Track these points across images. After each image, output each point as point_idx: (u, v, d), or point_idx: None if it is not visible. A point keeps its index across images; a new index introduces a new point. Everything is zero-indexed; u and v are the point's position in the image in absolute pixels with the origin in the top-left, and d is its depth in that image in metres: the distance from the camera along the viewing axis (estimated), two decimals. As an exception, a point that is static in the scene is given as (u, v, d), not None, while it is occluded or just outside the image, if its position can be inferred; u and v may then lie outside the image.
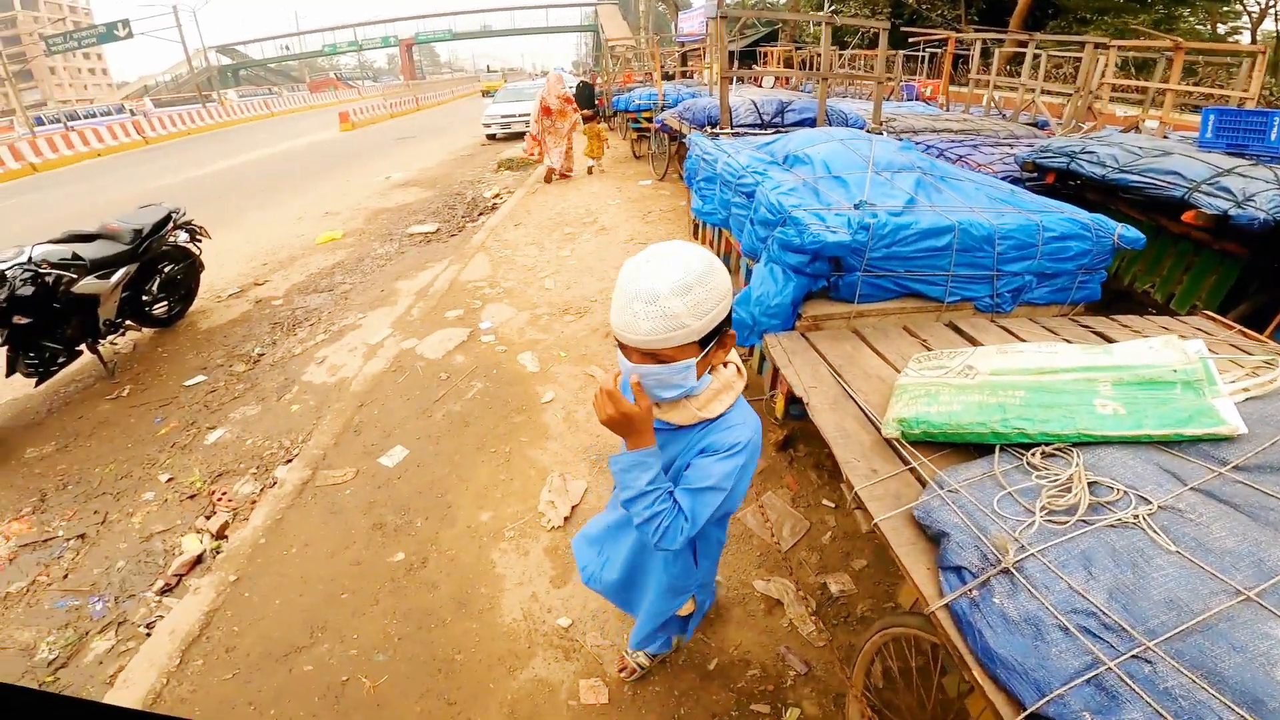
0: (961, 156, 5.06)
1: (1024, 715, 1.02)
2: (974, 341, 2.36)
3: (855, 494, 1.63)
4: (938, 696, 1.61)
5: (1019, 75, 10.43)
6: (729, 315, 1.24)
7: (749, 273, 2.93)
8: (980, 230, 2.42)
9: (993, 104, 9.89)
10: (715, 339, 1.25)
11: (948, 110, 9.10)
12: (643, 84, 15.33)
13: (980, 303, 2.57)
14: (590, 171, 11.42)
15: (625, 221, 7.88)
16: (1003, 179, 3.93)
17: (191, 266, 5.49)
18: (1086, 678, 1.00)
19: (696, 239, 4.44)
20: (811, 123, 5.80)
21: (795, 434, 3.45)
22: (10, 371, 4.11)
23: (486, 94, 32.23)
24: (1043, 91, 8.90)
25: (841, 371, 2.15)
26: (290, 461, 3.63)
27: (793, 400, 2.59)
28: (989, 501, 1.40)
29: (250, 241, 8.12)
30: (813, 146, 3.30)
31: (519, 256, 6.89)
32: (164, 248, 5.08)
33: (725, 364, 1.40)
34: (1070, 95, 7.77)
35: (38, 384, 4.29)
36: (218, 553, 3.01)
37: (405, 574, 2.79)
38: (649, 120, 10.65)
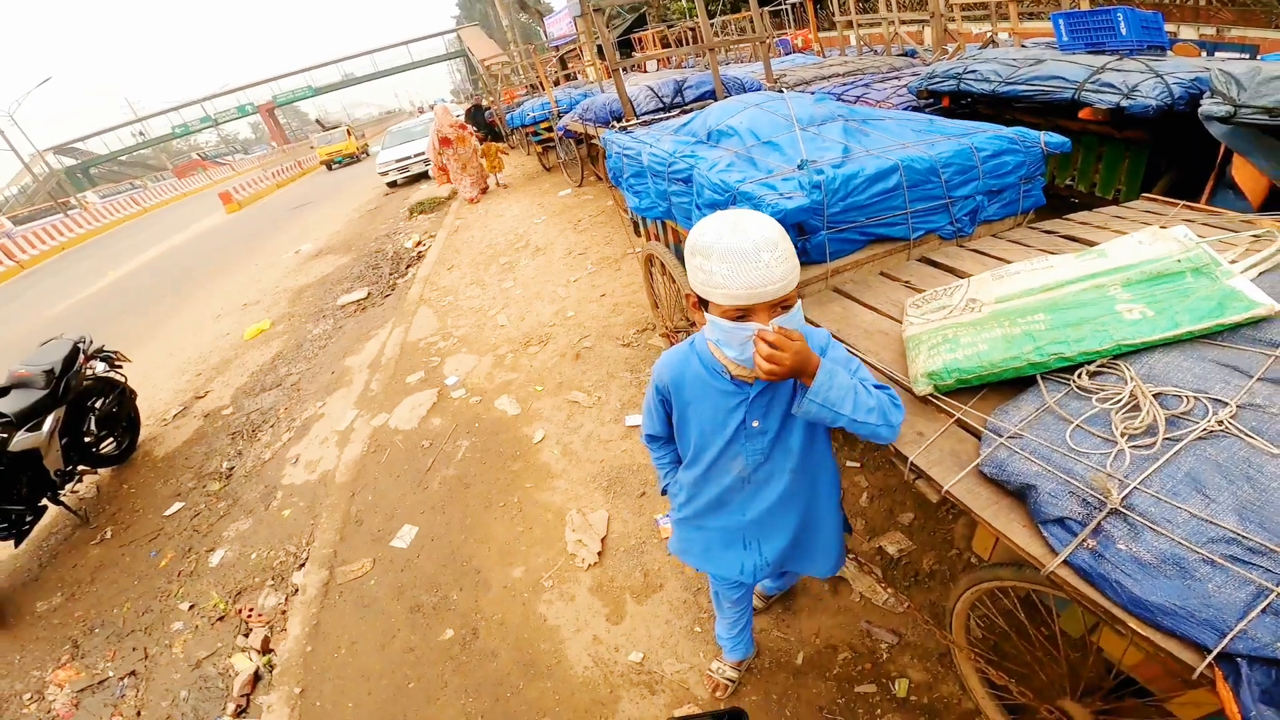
0: (859, 98, 5.09)
1: (1213, 656, 0.95)
2: (953, 271, 2.35)
3: (911, 464, 1.50)
4: (1061, 638, 1.55)
5: (876, 11, 10.68)
6: None
7: None
8: (922, 163, 2.44)
9: (863, 43, 10.09)
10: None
11: (825, 56, 9.21)
12: (529, 97, 15.09)
13: (943, 232, 2.58)
14: (499, 185, 12.05)
15: (558, 236, 7.72)
16: (904, 110, 4.00)
17: (122, 395, 5.09)
18: (1261, 607, 0.93)
19: (640, 236, 4.35)
20: (711, 95, 5.73)
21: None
22: None
23: (329, 164, 29.09)
24: (900, 22, 9.13)
25: (843, 335, 2.08)
26: (303, 566, 3.44)
27: None
28: (1061, 438, 1.31)
29: (174, 354, 7.54)
30: (733, 117, 3.23)
31: (463, 300, 6.66)
32: (85, 383, 4.69)
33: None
34: (927, 20, 7.98)
35: (16, 545, 4.04)
36: (271, 667, 2.86)
37: (461, 649, 2.67)
38: (549, 130, 10.60)
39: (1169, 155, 3.24)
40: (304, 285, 9.20)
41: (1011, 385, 1.57)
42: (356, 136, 32.46)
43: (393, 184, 16.66)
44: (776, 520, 1.65)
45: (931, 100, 4.39)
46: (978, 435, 1.48)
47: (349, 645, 2.84)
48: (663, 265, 3.46)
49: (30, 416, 4.11)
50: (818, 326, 1.49)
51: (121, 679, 3.03)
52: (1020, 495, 1.29)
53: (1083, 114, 3.21)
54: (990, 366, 1.54)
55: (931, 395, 1.63)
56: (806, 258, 2.43)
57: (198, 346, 7.62)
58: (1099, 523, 1.13)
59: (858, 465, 3.01)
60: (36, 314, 12.25)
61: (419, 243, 9.74)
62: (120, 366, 5.16)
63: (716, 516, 1.69)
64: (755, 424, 1.48)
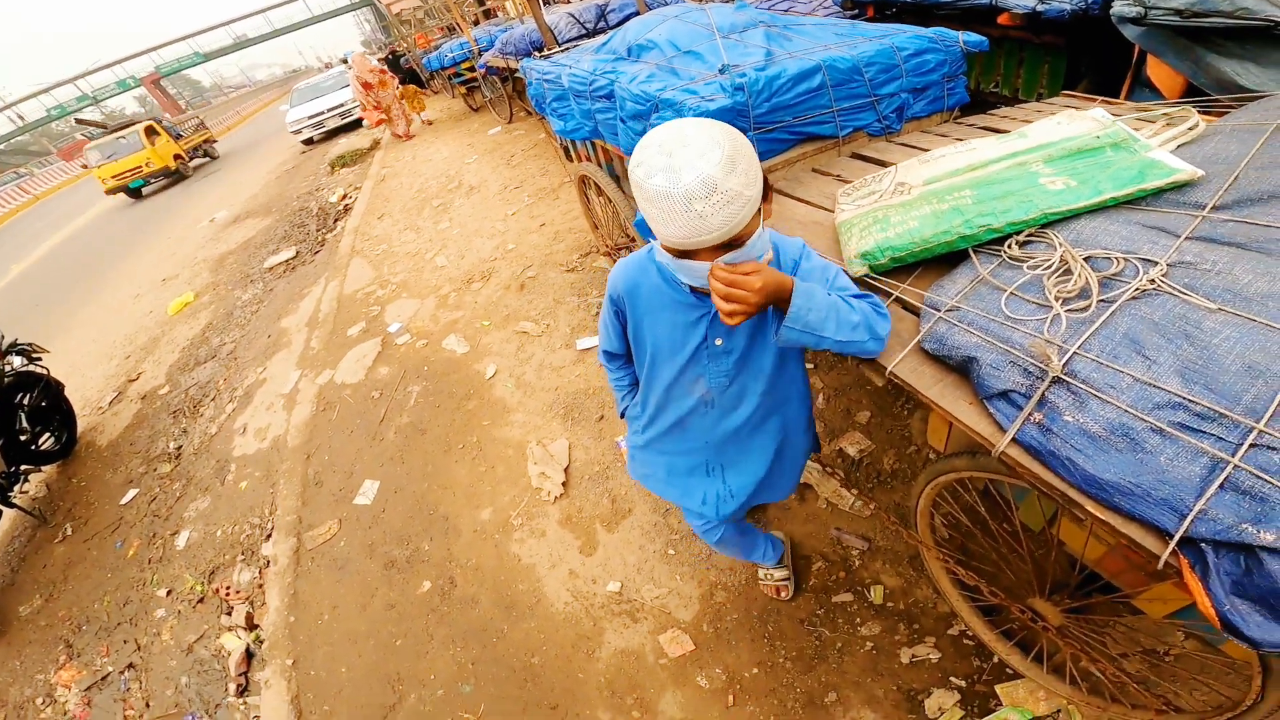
0: (787, 9, 4.97)
1: (1175, 542, 0.90)
2: (881, 163, 2.33)
3: None
4: (1023, 532, 1.55)
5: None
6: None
7: None
8: (844, 63, 2.43)
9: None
10: (765, 195, 1.14)
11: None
12: (446, 39, 14.37)
13: (870, 128, 2.57)
14: (424, 122, 12.43)
15: (492, 173, 7.42)
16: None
17: (49, 388, 4.82)
18: (1218, 482, 0.88)
19: (571, 160, 4.22)
20: (635, 15, 5.49)
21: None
22: None
23: (122, 190, 17.12)
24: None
25: (776, 228, 1.99)
26: (270, 537, 3.37)
27: None
28: (996, 308, 1.28)
29: (98, 340, 7.10)
30: (652, 30, 3.13)
31: (397, 247, 6.40)
32: (5, 380, 4.45)
33: None
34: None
35: None
36: (260, 642, 2.83)
37: (441, 600, 2.67)
38: (471, 70, 10.28)
39: (1088, 58, 3.28)
40: (225, 253, 8.70)
41: (945, 261, 1.54)
42: (186, 129, 20.51)
43: (309, 141, 15.72)
44: (746, 449, 1.57)
45: (856, 11, 4.37)
46: (916, 313, 1.47)
47: (330, 610, 2.81)
48: (597, 186, 3.38)
49: None
50: (778, 236, 1.34)
51: (121, 673, 2.98)
52: (964, 371, 1.27)
53: (1001, 19, 3.22)
54: (922, 242, 1.52)
55: (867, 276, 1.60)
56: None
57: (121, 329, 7.19)
58: (1043, 393, 1.10)
59: (811, 366, 3.01)
60: None
61: (344, 195, 9.24)
62: (39, 358, 4.87)
63: (677, 441, 1.60)
64: (718, 342, 1.36)
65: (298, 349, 5.21)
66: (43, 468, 4.74)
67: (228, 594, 3.13)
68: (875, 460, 2.55)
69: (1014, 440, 1.12)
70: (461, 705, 2.28)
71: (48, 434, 4.78)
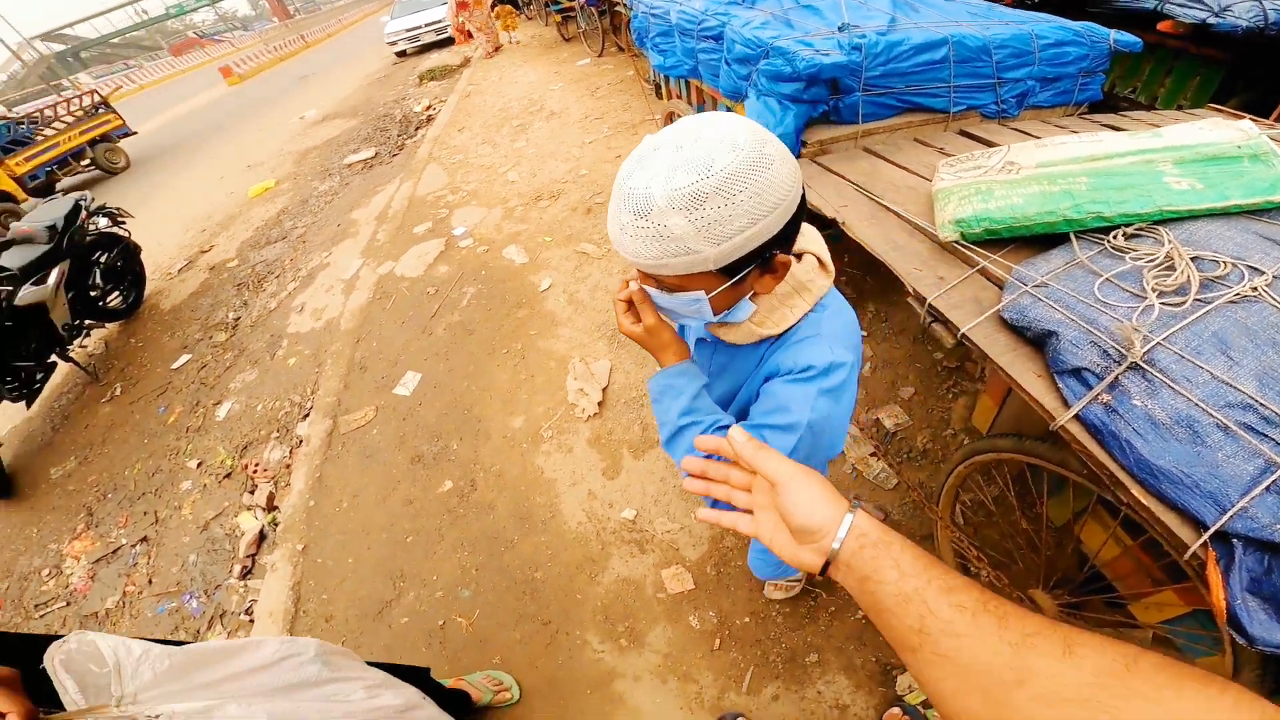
0: None
1: (1210, 532, 0.90)
2: (991, 145, 2.24)
3: (929, 305, 1.45)
4: (1044, 524, 1.53)
5: None
6: (787, 229, 0.82)
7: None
8: (974, 41, 2.35)
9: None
10: (755, 266, 0.84)
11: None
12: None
13: (986, 109, 2.49)
14: (512, 43, 12.20)
15: (575, 102, 7.30)
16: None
17: (127, 249, 5.00)
18: (1267, 484, 0.88)
19: (661, 98, 4.13)
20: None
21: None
22: None
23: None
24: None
25: (868, 187, 2.02)
26: (308, 416, 3.46)
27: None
28: (1089, 290, 1.24)
29: (179, 213, 7.39)
30: None
31: (473, 159, 6.41)
32: (89, 238, 4.59)
33: (799, 256, 1.00)
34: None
35: (28, 406, 4.04)
36: (275, 525, 2.90)
37: (459, 502, 2.72)
38: (570, 0, 10.00)
39: (1245, 76, 3.02)
40: (309, 148, 8.88)
41: (1040, 242, 1.51)
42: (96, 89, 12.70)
43: (401, 53, 15.81)
44: None
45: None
46: (1000, 286, 1.44)
47: (350, 498, 2.88)
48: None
49: (34, 271, 4.02)
50: (823, 328, 0.98)
51: (133, 546, 3.05)
52: (1039, 344, 1.25)
53: (1162, 25, 2.96)
54: (1023, 219, 1.49)
55: (957, 243, 1.59)
56: (837, 116, 2.38)
57: (202, 205, 7.48)
58: (1118, 376, 1.08)
59: (864, 334, 2.93)
60: None
61: (429, 107, 9.27)
62: (123, 223, 5.04)
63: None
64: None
65: (363, 239, 5.32)
66: (106, 324, 4.91)
67: (255, 471, 3.21)
68: (909, 436, 2.49)
69: (1076, 417, 1.11)
70: (457, 608, 2.34)
71: (117, 293, 4.96)
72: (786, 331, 0.99)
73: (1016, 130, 2.39)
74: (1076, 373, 1.14)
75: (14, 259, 3.97)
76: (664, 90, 3.97)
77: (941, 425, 2.49)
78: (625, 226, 0.78)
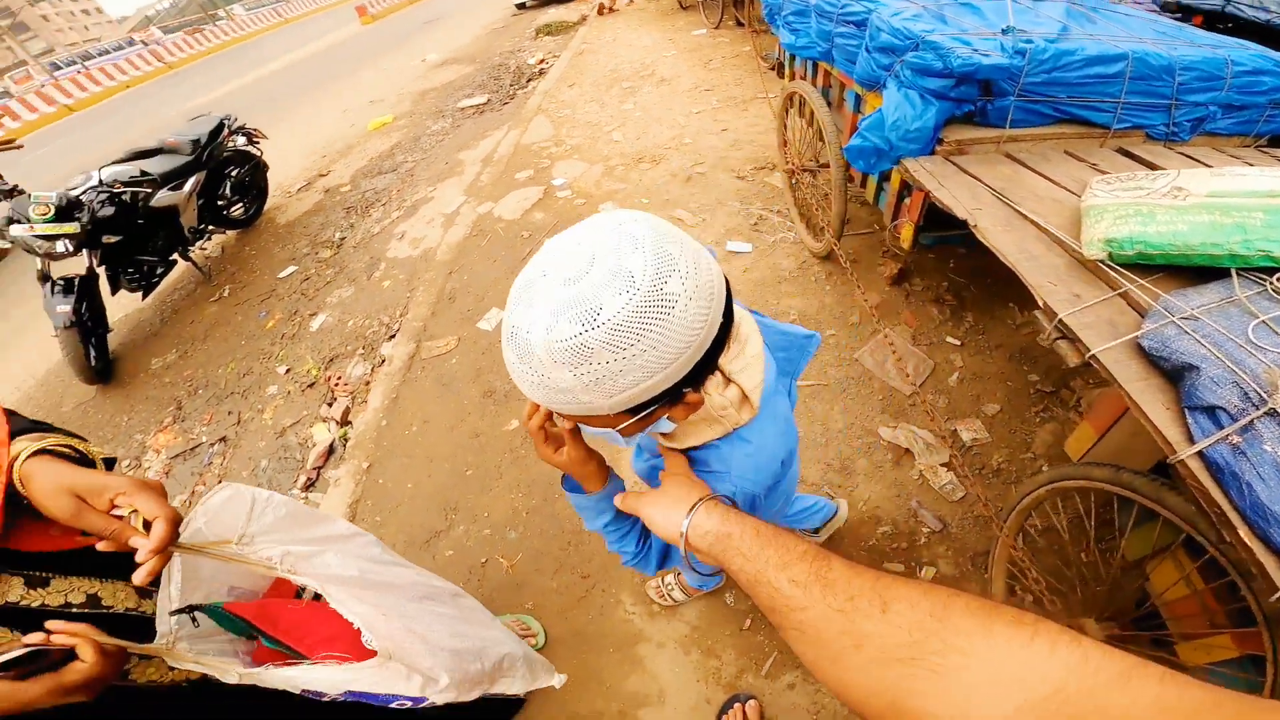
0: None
1: None
2: (1152, 167, 2.08)
3: (1059, 321, 1.40)
4: (1118, 558, 1.52)
5: None
6: (695, 371, 0.70)
7: (856, 102, 2.72)
8: (1158, 60, 2.15)
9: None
10: (662, 404, 0.73)
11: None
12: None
13: (1154, 130, 2.28)
14: (630, 4, 12.12)
15: (686, 71, 7.14)
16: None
17: (257, 167, 5.42)
18: None
19: (782, 77, 3.92)
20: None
21: (909, 267, 3.09)
22: (115, 289, 4.13)
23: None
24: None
25: (1007, 194, 1.93)
26: (393, 337, 3.54)
27: (922, 229, 2.37)
28: (1241, 330, 1.20)
29: (304, 139, 7.84)
30: None
31: (580, 115, 6.37)
32: (225, 153, 4.98)
33: (726, 385, 0.86)
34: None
35: (144, 297, 4.36)
36: (346, 440, 2.96)
37: (522, 442, 2.68)
38: None
39: None
40: (427, 89, 9.14)
41: (1192, 274, 1.45)
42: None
43: (521, 6, 15.97)
44: None
45: (1180, 15, 3.66)
46: (1140, 312, 1.40)
47: (421, 423, 2.90)
48: (805, 105, 3.18)
49: (173, 178, 4.34)
50: (730, 463, 0.90)
51: (212, 445, 3.16)
52: (1174, 377, 1.23)
53: None
54: (1184, 248, 1.41)
55: (1102, 262, 1.53)
56: (983, 118, 2.27)
57: (325, 134, 7.85)
58: (1254, 419, 1.06)
59: (957, 344, 2.73)
60: (185, 103, 12.93)
61: (542, 60, 9.31)
62: (258, 142, 5.40)
63: None
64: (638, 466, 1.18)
65: (468, 179, 5.42)
66: (226, 231, 5.30)
67: (336, 384, 3.29)
68: (985, 453, 2.34)
69: (1200, 454, 1.10)
70: (502, 549, 2.32)
71: (241, 204, 5.33)
72: (699, 448, 0.91)
73: (1183, 155, 2.19)
74: (1210, 410, 1.12)
75: (157, 166, 4.30)
76: (787, 70, 3.77)
77: (1022, 447, 2.34)
78: (511, 365, 0.67)
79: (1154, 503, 1.29)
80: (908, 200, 2.43)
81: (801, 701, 1.82)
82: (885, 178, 2.60)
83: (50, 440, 0.86)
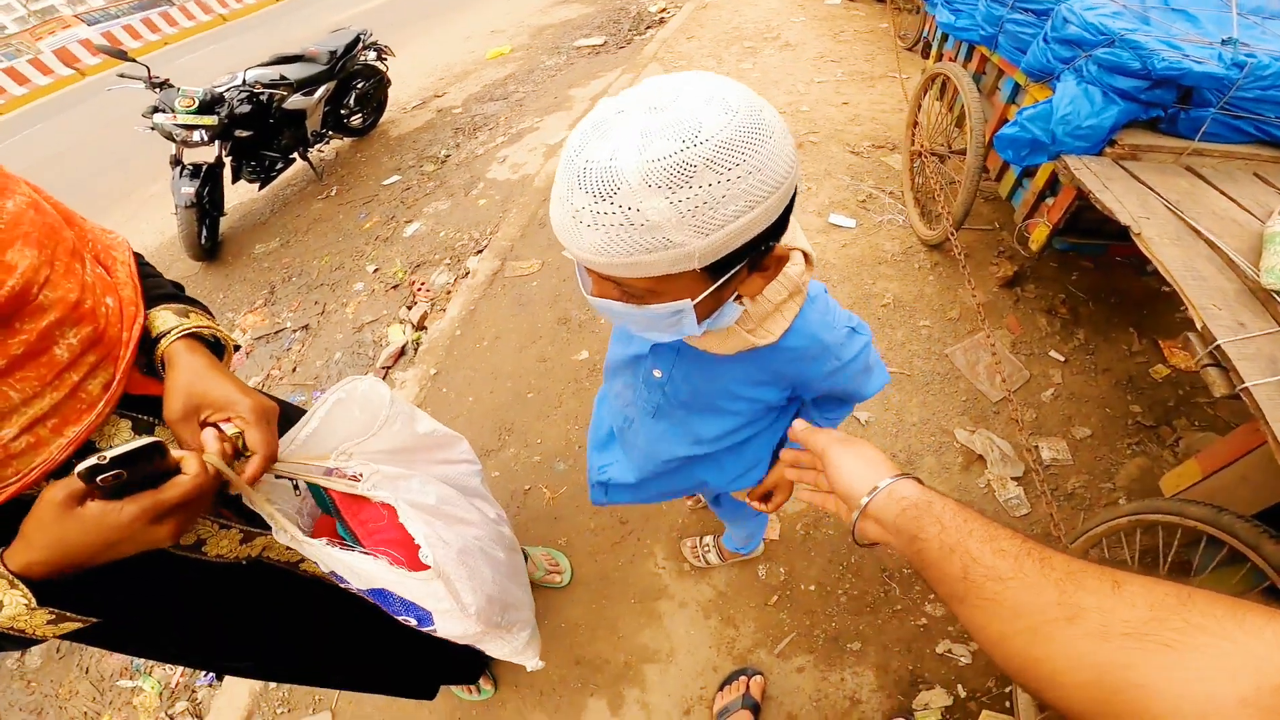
0: None
1: None
2: None
3: (1216, 347, 1.32)
4: None
5: None
6: (784, 216, 0.64)
7: (1014, 92, 2.57)
8: None
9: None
10: (746, 263, 0.66)
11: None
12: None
13: None
14: None
15: (814, 39, 6.80)
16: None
17: (380, 82, 5.67)
18: None
19: (926, 58, 3.66)
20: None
21: (1025, 271, 2.86)
22: (235, 178, 4.44)
23: None
24: None
25: (1181, 207, 1.80)
26: (481, 252, 3.58)
27: (1057, 233, 2.24)
28: None
29: (426, 60, 8.04)
30: None
31: (695, 68, 6.17)
32: (356, 66, 5.24)
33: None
34: None
35: (260, 188, 4.69)
36: (418, 345, 3.01)
37: (588, 374, 2.65)
38: None
39: None
40: (546, 25, 9.11)
41: None
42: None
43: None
44: (646, 485, 1.30)
45: None
46: None
47: (492, 339, 2.92)
48: (949, 88, 3.00)
49: (306, 84, 4.63)
50: (817, 324, 0.88)
51: (294, 331, 3.30)
52: None
53: None
54: None
55: (1278, 294, 1.45)
56: (1170, 126, 2.12)
57: (444, 58, 8.00)
58: None
59: (1061, 359, 2.54)
60: (332, 15, 13.23)
61: (663, 9, 9.08)
62: (385, 59, 5.64)
63: (609, 413, 1.32)
64: (656, 373, 1.00)
65: (575, 114, 5.39)
66: (344, 138, 5.58)
67: (419, 289, 3.37)
68: (1062, 475, 2.20)
69: None
70: (548, 479, 2.31)
71: (361, 114, 5.59)
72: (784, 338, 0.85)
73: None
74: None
75: (294, 72, 4.59)
76: (934, 51, 3.52)
77: (1103, 476, 2.18)
78: (580, 213, 0.57)
79: (1250, 548, 1.24)
80: (1050, 200, 2.27)
81: (806, 686, 1.79)
82: (1028, 173, 2.44)
83: (193, 320, 0.87)
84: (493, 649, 1.27)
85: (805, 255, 0.83)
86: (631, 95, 0.58)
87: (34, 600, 0.67)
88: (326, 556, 0.92)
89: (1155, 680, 0.40)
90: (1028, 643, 0.48)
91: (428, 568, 0.95)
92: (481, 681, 1.83)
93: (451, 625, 1.05)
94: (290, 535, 0.89)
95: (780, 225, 0.65)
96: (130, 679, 2.14)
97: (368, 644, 1.32)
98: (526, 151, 4.79)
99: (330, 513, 1.03)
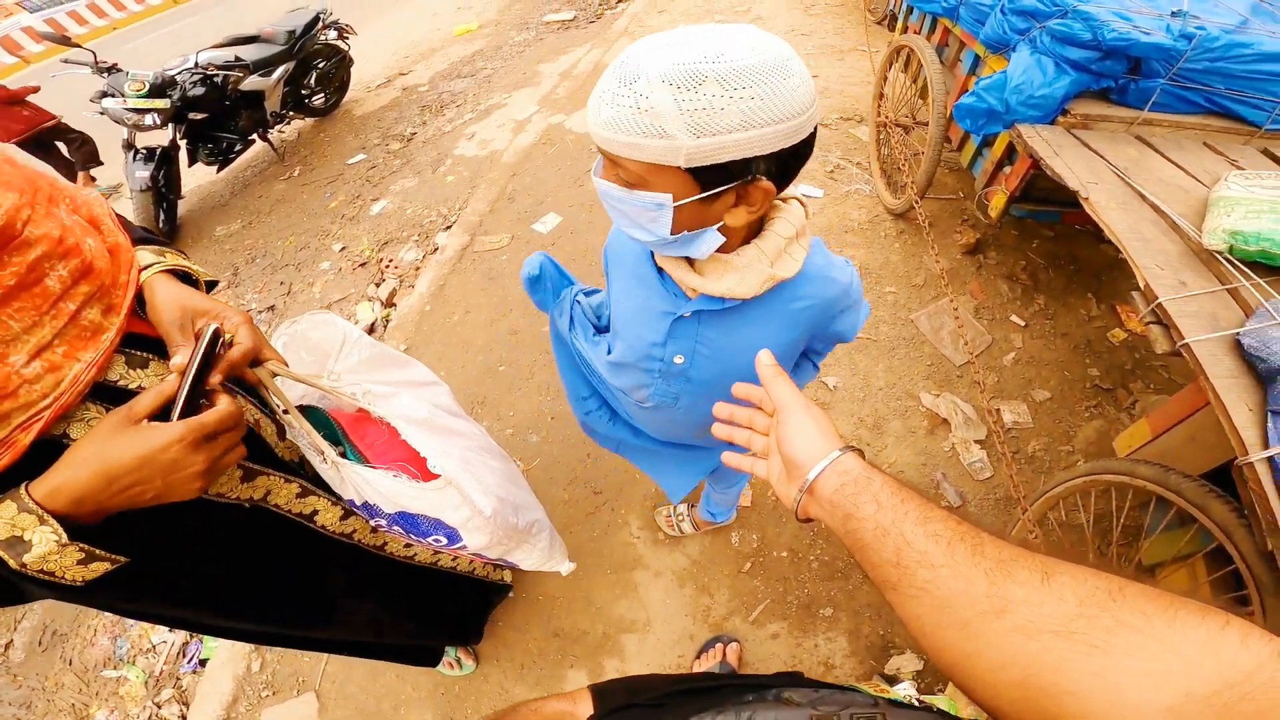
0: None
1: None
2: None
3: (1158, 305, 1.37)
4: (1134, 562, 1.55)
5: None
6: (784, 157, 0.69)
7: (974, 63, 2.61)
8: None
9: None
10: (733, 186, 0.71)
11: None
12: None
13: None
14: None
15: (785, 12, 6.76)
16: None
17: (342, 61, 5.57)
18: None
19: (892, 30, 3.71)
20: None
21: (987, 239, 2.90)
22: (192, 162, 4.36)
23: None
24: None
25: (1129, 174, 1.85)
26: (449, 228, 3.53)
27: (1015, 200, 2.28)
28: None
29: (390, 38, 7.84)
30: None
31: (666, 41, 6.13)
32: (316, 46, 5.15)
33: (784, 199, 0.86)
34: None
35: (219, 170, 4.57)
36: (388, 321, 2.97)
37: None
38: None
39: None
40: (514, 0, 8.88)
41: None
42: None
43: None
44: (661, 457, 1.39)
45: None
46: (1248, 312, 1.35)
47: (463, 314, 2.89)
48: (913, 59, 3.02)
49: (263, 65, 4.53)
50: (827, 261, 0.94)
51: (260, 312, 3.24)
52: (1267, 380, 1.18)
53: None
54: None
55: (1219, 254, 1.50)
56: (1121, 96, 2.16)
57: (411, 35, 7.80)
58: None
59: (1021, 324, 2.59)
60: (279, 0, 12.86)
61: (634, -17, 8.93)
62: (347, 38, 5.53)
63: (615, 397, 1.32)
64: (678, 360, 0.99)
65: (544, 90, 5.31)
66: (305, 118, 5.47)
67: (388, 266, 3.33)
68: (1023, 438, 2.25)
69: (1269, 460, 1.08)
70: (521, 451, 2.30)
71: (323, 94, 5.47)
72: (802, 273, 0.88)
73: (1340, 166, 2.00)
74: (1295, 417, 1.07)
75: (250, 53, 4.51)
76: (900, 23, 3.55)
77: (1062, 439, 2.23)
78: (604, 93, 0.67)
79: (1196, 508, 1.27)
80: (1008, 169, 2.31)
81: (780, 652, 1.80)
82: (987, 143, 2.47)
83: (170, 259, 0.94)
84: (522, 560, 1.30)
85: (801, 203, 0.87)
86: (684, 28, 0.67)
87: (64, 535, 0.68)
88: (357, 476, 0.98)
89: (1086, 687, 0.39)
90: (959, 637, 0.46)
91: (438, 476, 1.02)
92: (463, 656, 1.84)
93: (476, 537, 1.09)
94: (328, 457, 0.98)
95: (778, 164, 0.70)
96: (114, 669, 2.11)
97: (377, 603, 1.34)
98: (495, 128, 4.72)
99: (339, 441, 1.10)
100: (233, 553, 1.00)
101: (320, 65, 5.25)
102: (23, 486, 0.69)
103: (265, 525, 1.02)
